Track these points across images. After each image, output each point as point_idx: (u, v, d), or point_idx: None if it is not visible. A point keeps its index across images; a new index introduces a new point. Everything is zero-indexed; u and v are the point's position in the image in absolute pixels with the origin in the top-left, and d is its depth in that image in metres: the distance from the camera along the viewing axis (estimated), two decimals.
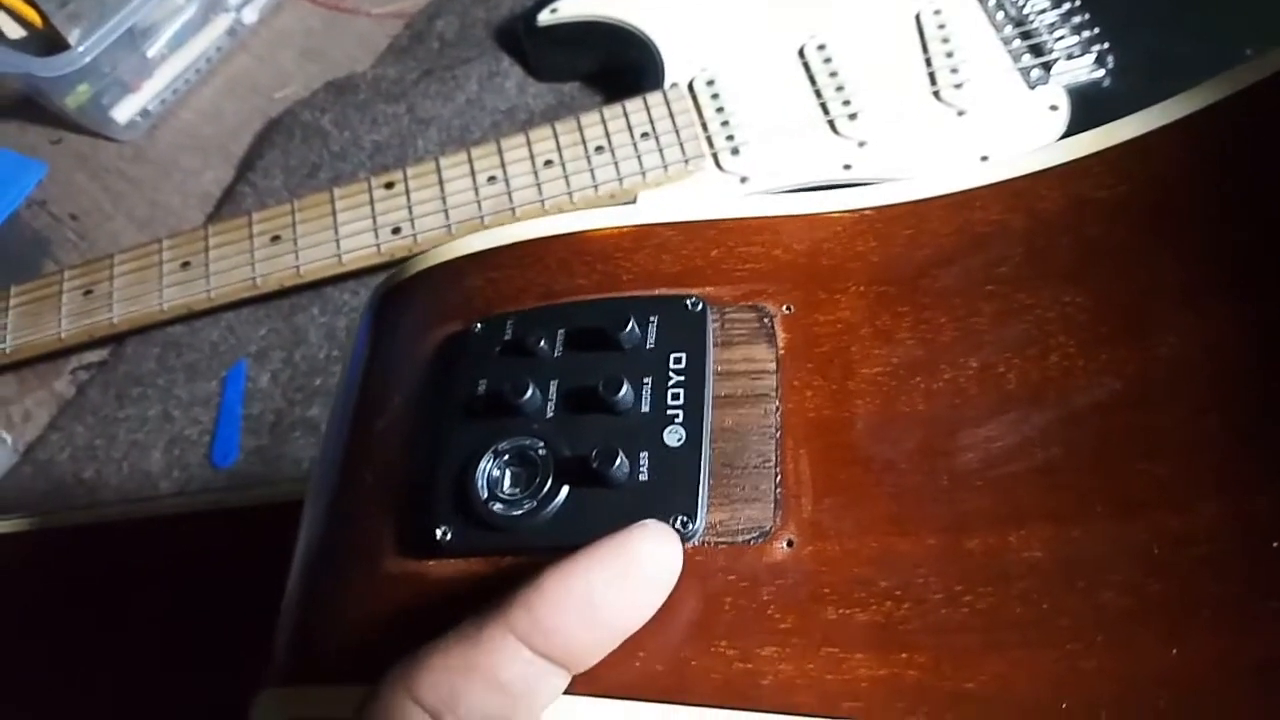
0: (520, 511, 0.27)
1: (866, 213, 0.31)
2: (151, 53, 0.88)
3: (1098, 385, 0.26)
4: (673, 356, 0.29)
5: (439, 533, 0.27)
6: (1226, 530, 0.23)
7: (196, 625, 0.54)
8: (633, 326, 0.29)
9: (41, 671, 0.55)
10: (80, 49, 0.81)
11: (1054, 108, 0.74)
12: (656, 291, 0.30)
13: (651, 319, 0.29)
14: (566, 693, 0.24)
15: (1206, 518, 0.23)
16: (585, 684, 0.24)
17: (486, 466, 0.28)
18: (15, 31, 0.84)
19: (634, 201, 0.76)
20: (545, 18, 0.84)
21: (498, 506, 0.27)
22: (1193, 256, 0.27)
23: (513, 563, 0.27)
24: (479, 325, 0.31)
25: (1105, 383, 0.26)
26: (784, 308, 0.30)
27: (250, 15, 0.94)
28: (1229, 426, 0.24)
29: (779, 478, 0.27)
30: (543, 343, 0.30)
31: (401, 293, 0.35)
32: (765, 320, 0.29)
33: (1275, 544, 0.22)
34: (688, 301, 0.30)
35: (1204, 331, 0.25)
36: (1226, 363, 0.25)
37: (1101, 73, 0.75)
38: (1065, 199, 0.29)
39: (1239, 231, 0.27)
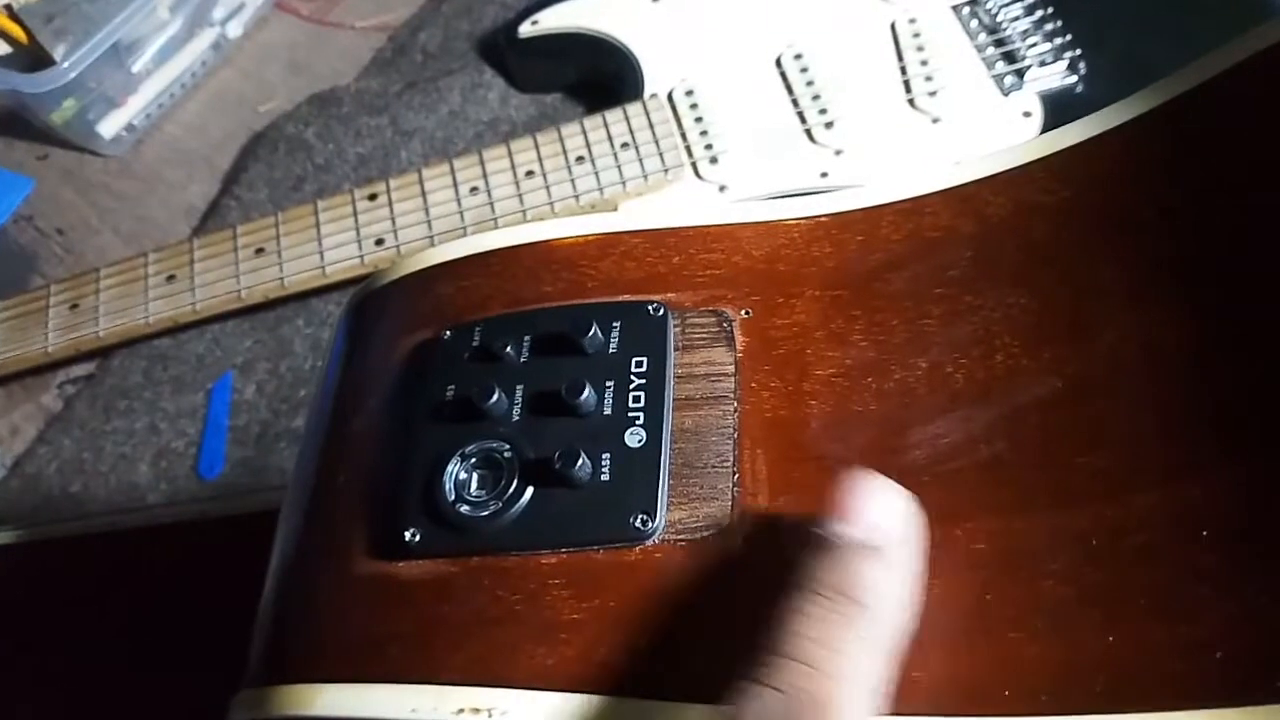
0: (486, 513, 0.28)
1: (822, 219, 0.32)
2: (137, 68, 0.89)
3: (1040, 383, 0.27)
4: (634, 360, 0.30)
5: (408, 534, 0.28)
6: (1161, 520, 0.24)
7: (184, 633, 0.55)
8: (596, 332, 0.30)
9: (29, 681, 0.55)
10: (66, 65, 0.82)
11: (1028, 114, 0.75)
12: (620, 298, 0.31)
13: (614, 324, 0.30)
14: None
15: (1142, 508, 0.24)
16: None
17: (454, 469, 0.29)
18: (0, 48, 0.85)
19: (614, 210, 0.77)
20: (526, 30, 0.85)
21: (465, 508, 0.28)
22: (1132, 257, 0.28)
23: (479, 563, 0.28)
24: (448, 332, 0.32)
25: (1048, 380, 0.26)
26: (743, 312, 0.30)
27: (235, 30, 0.95)
28: (1164, 420, 0.25)
29: (736, 477, 0.28)
30: (509, 348, 0.30)
31: (376, 300, 0.35)
32: (725, 324, 0.30)
33: (1205, 533, 0.23)
34: (649, 307, 0.31)
35: (1142, 329, 0.26)
36: (1162, 359, 0.26)
37: (1074, 79, 0.76)
38: (1012, 204, 0.30)
39: (1175, 232, 0.27)
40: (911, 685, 0.24)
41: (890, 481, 0.25)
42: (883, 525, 0.24)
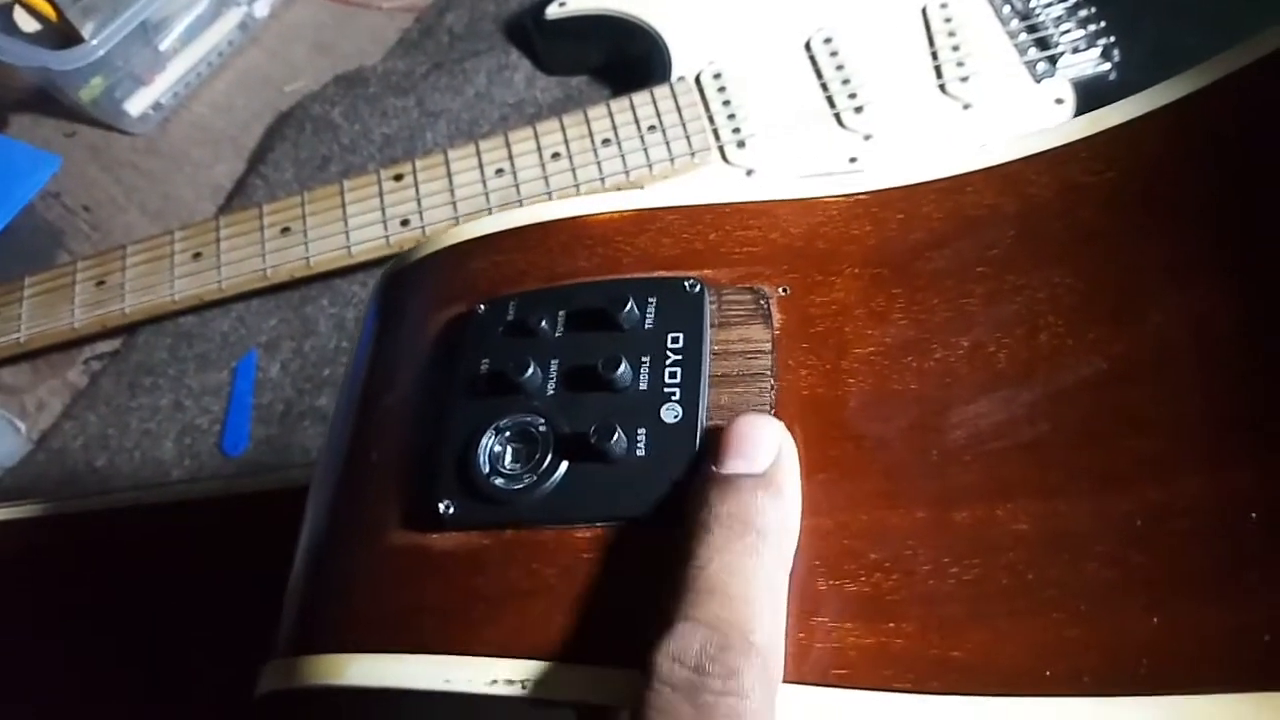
0: (521, 486, 0.28)
1: (861, 197, 0.32)
2: (164, 46, 0.89)
3: (1085, 363, 0.26)
4: (670, 336, 0.29)
5: (442, 506, 0.28)
6: (1208, 503, 0.23)
7: (207, 608, 0.55)
8: (632, 307, 0.30)
9: (53, 654, 0.56)
10: (94, 42, 0.82)
11: (1060, 101, 0.75)
12: (656, 273, 0.31)
13: (650, 300, 0.30)
14: None
15: (1188, 491, 0.24)
16: None
17: (488, 442, 0.29)
18: (30, 25, 0.85)
19: None
20: (553, 11, 0.85)
21: (499, 481, 0.28)
22: (1179, 238, 0.27)
23: (514, 535, 0.28)
24: (482, 306, 0.32)
25: (1093, 361, 0.26)
26: (780, 289, 0.30)
27: (261, 9, 0.95)
28: (1212, 403, 0.25)
29: None
30: (544, 323, 0.30)
31: (408, 275, 0.35)
32: (762, 301, 0.30)
33: (1254, 515, 0.23)
34: (686, 283, 0.30)
35: (1189, 311, 0.26)
36: (1211, 341, 0.25)
37: (1107, 66, 0.76)
38: (1056, 183, 0.29)
39: (1225, 214, 0.27)
40: (950, 663, 0.24)
41: (768, 416, 0.27)
42: (766, 457, 0.26)
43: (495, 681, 0.25)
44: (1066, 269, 0.28)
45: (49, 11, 0.83)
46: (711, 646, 0.22)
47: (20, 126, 0.93)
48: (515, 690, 0.25)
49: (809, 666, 0.24)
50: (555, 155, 0.77)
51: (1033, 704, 0.23)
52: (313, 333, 0.79)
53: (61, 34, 0.84)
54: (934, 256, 0.29)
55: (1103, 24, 0.76)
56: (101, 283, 0.77)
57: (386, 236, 0.75)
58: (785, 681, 0.24)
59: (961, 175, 0.31)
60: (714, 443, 0.27)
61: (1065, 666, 0.23)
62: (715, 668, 0.22)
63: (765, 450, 0.26)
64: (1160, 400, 0.25)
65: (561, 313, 0.31)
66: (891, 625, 0.24)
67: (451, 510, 0.28)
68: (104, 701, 0.55)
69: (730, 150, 0.76)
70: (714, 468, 0.26)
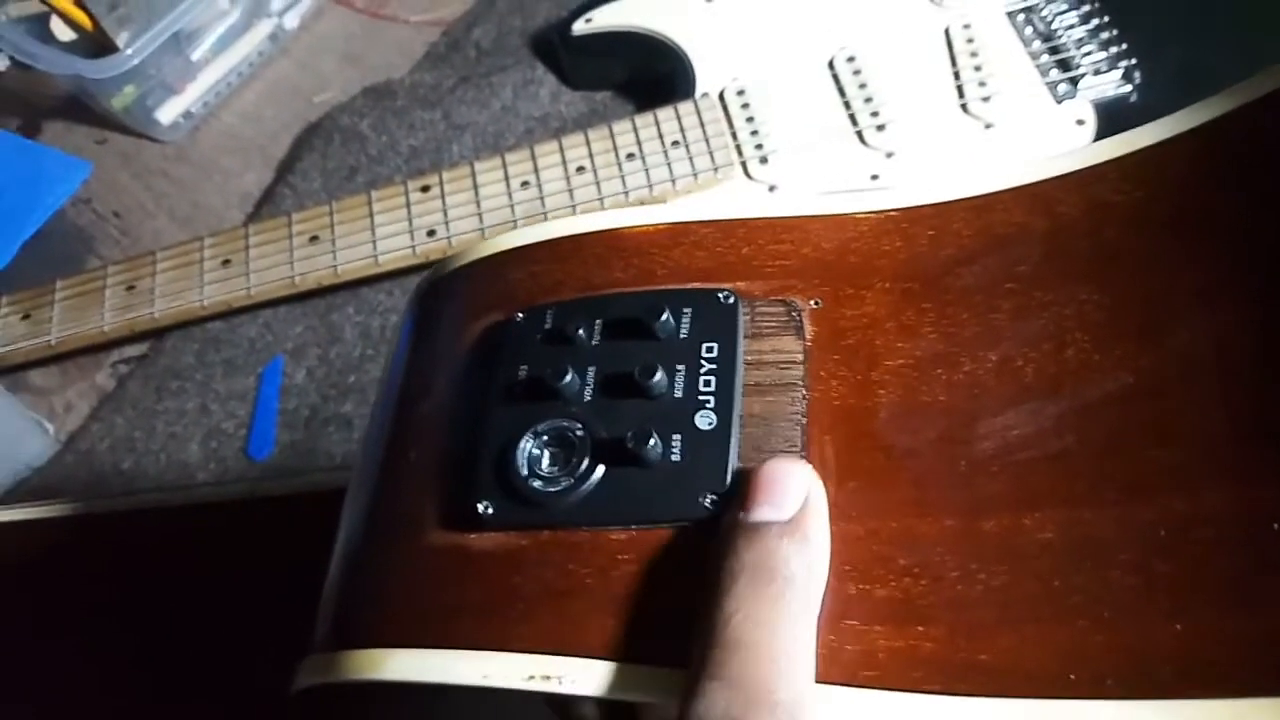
0: (558, 488, 0.29)
1: (892, 213, 0.32)
2: (196, 56, 0.91)
3: (1111, 378, 0.27)
4: (705, 346, 0.30)
5: (481, 507, 0.29)
6: (1230, 513, 0.24)
7: (229, 608, 0.56)
8: (667, 317, 0.30)
9: (77, 651, 0.57)
10: (128, 52, 0.84)
11: (1081, 122, 0.75)
12: (690, 285, 0.32)
13: (685, 310, 0.31)
14: None
15: (1212, 502, 0.24)
16: None
17: (527, 446, 0.29)
18: (66, 34, 0.87)
19: None
20: (580, 28, 0.86)
21: (537, 483, 0.29)
22: (1207, 259, 0.28)
23: (550, 537, 0.28)
24: (520, 315, 0.33)
25: (1119, 376, 0.27)
26: (812, 302, 0.31)
27: (291, 21, 0.97)
28: (1236, 418, 0.25)
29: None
30: (581, 331, 0.31)
31: (447, 283, 0.36)
32: (794, 314, 0.31)
33: (1276, 526, 0.23)
34: (720, 294, 0.31)
35: (1215, 329, 0.27)
36: (1236, 359, 0.26)
37: (1128, 88, 0.76)
38: (1084, 203, 0.30)
39: (1251, 237, 0.28)
40: (978, 666, 0.24)
41: (797, 460, 0.27)
42: (794, 503, 0.26)
43: (533, 677, 0.26)
44: (1093, 286, 0.28)
45: (85, 21, 0.84)
46: (736, 708, 0.23)
47: (53, 133, 0.95)
48: (553, 686, 0.26)
49: (839, 668, 0.25)
50: (580, 169, 0.78)
51: (1057, 706, 0.23)
52: (338, 340, 0.80)
53: (96, 43, 0.85)
54: (963, 272, 0.30)
55: (1124, 46, 0.77)
56: (131, 287, 0.78)
57: (413, 246, 0.76)
58: (816, 682, 0.25)
59: (991, 194, 0.32)
60: (742, 487, 0.27)
61: (1089, 671, 0.23)
62: None
63: (793, 496, 0.26)
64: (1185, 414, 0.26)
65: (598, 321, 0.31)
66: (921, 629, 0.25)
67: (490, 511, 0.29)
68: (125, 698, 0.56)
69: (753, 166, 0.77)
70: (741, 515, 0.26)
